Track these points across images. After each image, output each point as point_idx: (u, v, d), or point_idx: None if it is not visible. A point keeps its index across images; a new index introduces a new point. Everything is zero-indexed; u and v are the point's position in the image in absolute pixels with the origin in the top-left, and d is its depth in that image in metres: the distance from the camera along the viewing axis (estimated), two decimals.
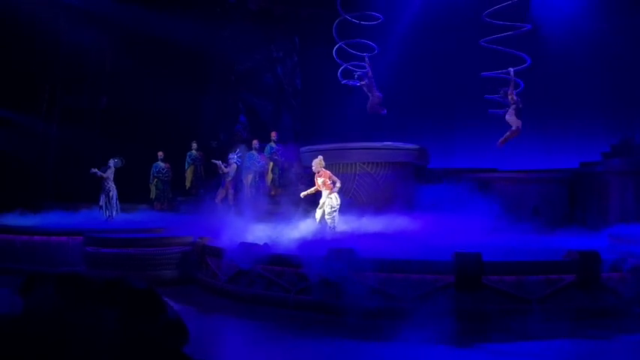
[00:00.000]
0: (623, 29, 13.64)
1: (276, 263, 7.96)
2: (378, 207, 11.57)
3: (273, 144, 14.89)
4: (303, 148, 13.81)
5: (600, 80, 14.37)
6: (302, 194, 10.52)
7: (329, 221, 9.99)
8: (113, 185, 13.29)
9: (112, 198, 13.23)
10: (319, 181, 10.09)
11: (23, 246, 11.23)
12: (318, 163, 10.15)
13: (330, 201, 9.98)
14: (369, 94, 13.09)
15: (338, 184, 10.05)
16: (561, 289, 7.07)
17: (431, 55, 16.08)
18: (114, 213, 13.26)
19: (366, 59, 13.14)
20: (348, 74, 13.72)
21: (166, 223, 12.12)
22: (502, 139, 11.84)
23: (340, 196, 10.20)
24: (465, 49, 14.64)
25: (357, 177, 12.48)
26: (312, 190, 10.31)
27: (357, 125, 15.02)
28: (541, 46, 12.84)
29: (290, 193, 14.37)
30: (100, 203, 13.18)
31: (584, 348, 6.06)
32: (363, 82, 13.04)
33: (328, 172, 10.22)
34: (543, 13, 12.48)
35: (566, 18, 13.69)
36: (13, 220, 12.67)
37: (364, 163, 12.60)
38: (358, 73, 13.25)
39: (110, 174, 13.29)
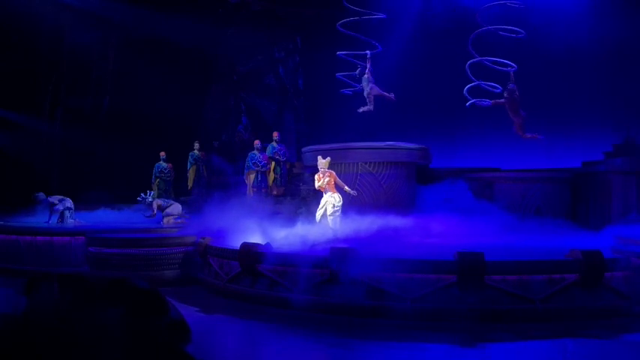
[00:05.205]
0: (626, 28, 13.60)
1: (279, 263, 7.96)
2: (380, 207, 11.55)
3: (275, 144, 14.92)
4: (304, 148, 13.80)
5: (603, 79, 14.33)
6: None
7: (331, 221, 9.96)
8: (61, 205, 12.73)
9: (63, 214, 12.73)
10: (324, 179, 10.05)
11: (27, 247, 11.27)
12: (325, 163, 10.15)
13: (332, 200, 9.96)
14: (367, 89, 13.00)
15: (346, 188, 10.04)
16: (564, 289, 7.06)
17: (433, 55, 16.04)
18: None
19: (368, 55, 12.98)
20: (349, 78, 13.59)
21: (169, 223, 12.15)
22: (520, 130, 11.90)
23: (342, 195, 10.18)
24: (467, 48, 14.59)
25: (359, 177, 12.46)
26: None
27: (359, 125, 15.01)
28: (543, 46, 12.80)
29: (292, 192, 14.41)
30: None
31: (587, 348, 6.06)
32: (365, 75, 12.91)
33: (334, 173, 10.21)
34: (544, 12, 12.46)
35: (568, 17, 13.65)
36: (16, 220, 12.71)
37: (366, 163, 12.58)
38: (359, 69, 13.14)
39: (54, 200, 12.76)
